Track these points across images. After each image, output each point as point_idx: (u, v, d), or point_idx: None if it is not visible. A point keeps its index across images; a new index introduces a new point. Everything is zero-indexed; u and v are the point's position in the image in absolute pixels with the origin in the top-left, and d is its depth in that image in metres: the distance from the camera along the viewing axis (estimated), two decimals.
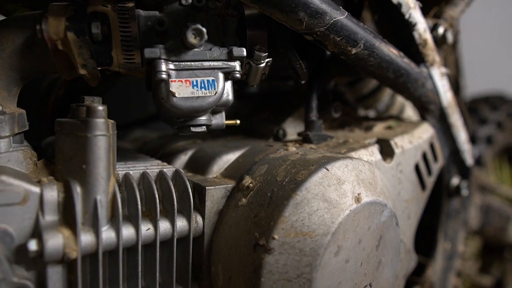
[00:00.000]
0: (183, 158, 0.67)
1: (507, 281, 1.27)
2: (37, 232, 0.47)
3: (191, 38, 0.49)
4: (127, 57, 0.54)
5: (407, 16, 0.66)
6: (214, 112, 0.60)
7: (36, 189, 0.48)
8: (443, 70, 0.73)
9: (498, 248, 1.19)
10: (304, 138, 0.67)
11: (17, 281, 0.46)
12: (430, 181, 0.74)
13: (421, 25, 0.67)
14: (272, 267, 0.50)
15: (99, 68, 0.54)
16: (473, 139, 1.16)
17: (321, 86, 0.69)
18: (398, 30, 0.68)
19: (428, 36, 0.69)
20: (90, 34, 0.51)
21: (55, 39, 0.51)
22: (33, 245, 0.46)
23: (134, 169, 0.56)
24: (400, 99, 0.94)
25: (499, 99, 1.29)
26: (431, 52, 0.70)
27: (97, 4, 0.53)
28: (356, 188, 0.55)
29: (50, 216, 0.49)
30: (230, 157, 0.64)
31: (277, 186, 0.54)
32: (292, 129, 0.72)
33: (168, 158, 0.67)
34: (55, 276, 0.49)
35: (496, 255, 1.23)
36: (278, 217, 0.51)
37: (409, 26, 0.66)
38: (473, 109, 1.26)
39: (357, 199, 0.54)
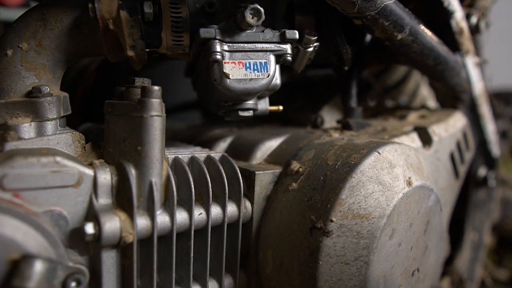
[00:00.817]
0: (223, 145, 0.66)
1: None
2: (91, 215, 0.46)
3: (249, 18, 0.49)
4: (176, 39, 0.53)
5: (446, 4, 0.66)
6: (259, 97, 0.59)
7: (90, 172, 0.47)
8: (476, 59, 0.74)
9: None
10: (344, 125, 0.67)
11: (72, 266, 0.44)
12: (463, 169, 0.75)
13: (459, 14, 0.68)
14: (330, 250, 0.49)
15: (147, 50, 0.53)
16: None
17: (359, 74, 0.69)
18: (436, 18, 0.68)
19: (464, 25, 0.69)
20: (142, 13, 0.50)
21: (107, 18, 0.50)
22: (90, 228, 0.44)
23: (182, 153, 0.55)
24: (422, 92, 0.95)
25: (510, 94, 1.31)
26: (466, 41, 0.71)
27: None
28: (406, 172, 0.55)
29: (104, 199, 0.47)
30: (272, 144, 0.63)
31: (330, 170, 0.53)
32: (329, 117, 0.72)
33: (207, 145, 0.66)
34: (109, 261, 0.47)
35: (510, 249, 1.24)
36: (335, 200, 0.50)
37: (447, 14, 0.67)
38: None
39: (409, 183, 0.54)
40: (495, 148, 0.85)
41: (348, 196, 0.50)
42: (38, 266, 0.39)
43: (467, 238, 0.86)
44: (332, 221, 0.49)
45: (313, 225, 0.50)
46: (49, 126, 0.51)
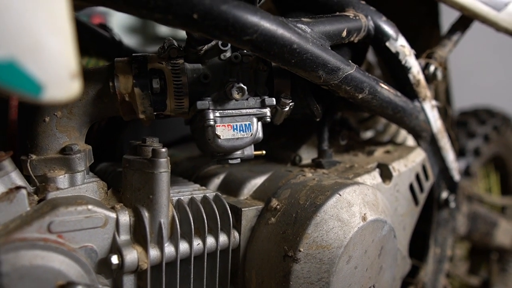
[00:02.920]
0: (216, 181, 0.80)
1: (493, 281, 1.42)
2: (115, 249, 0.60)
3: (235, 94, 0.62)
4: (178, 103, 0.67)
5: (403, 62, 0.79)
6: None
7: (113, 215, 0.61)
8: (434, 103, 0.86)
9: (485, 251, 1.34)
10: (317, 164, 0.80)
11: (101, 287, 0.59)
12: (422, 197, 0.88)
13: (415, 68, 0.81)
14: (298, 273, 0.63)
15: (155, 113, 0.67)
16: (462, 152, 1.31)
17: (331, 119, 0.82)
18: (395, 72, 0.81)
19: (421, 77, 0.82)
20: (151, 88, 0.64)
21: (124, 93, 0.64)
22: (115, 260, 0.59)
23: (183, 194, 0.69)
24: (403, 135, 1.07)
25: (486, 112, 1.43)
26: (423, 89, 0.83)
27: (155, 61, 0.66)
28: (362, 209, 0.68)
29: (124, 236, 0.62)
30: (257, 181, 0.77)
31: (300, 208, 0.67)
32: (306, 154, 0.85)
33: (203, 181, 0.81)
34: (128, 283, 0.62)
35: (483, 258, 1.38)
36: (302, 234, 0.64)
37: (405, 70, 0.80)
38: (462, 123, 1.40)
39: (364, 218, 0.68)
40: (456, 173, 0.98)
41: (313, 231, 0.64)
42: None
43: (431, 252, 1.00)
44: (300, 251, 0.64)
45: (286, 254, 0.64)
46: (79, 177, 0.65)
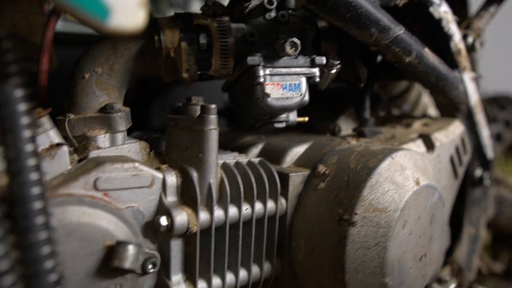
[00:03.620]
0: (255, 151, 0.76)
1: None
2: (162, 210, 0.56)
3: (288, 49, 0.59)
4: (223, 62, 0.64)
5: (446, 29, 0.77)
6: None
7: (159, 175, 0.57)
8: (472, 75, 0.85)
9: (507, 238, 1.32)
10: (359, 133, 0.78)
11: (148, 251, 0.55)
12: (461, 170, 0.86)
13: (457, 37, 0.79)
14: (355, 237, 0.60)
15: (199, 72, 0.64)
16: None
17: (372, 88, 0.80)
18: (437, 40, 0.79)
19: (462, 46, 0.80)
20: (198, 43, 0.61)
21: (170, 48, 0.60)
22: (164, 221, 0.55)
23: (227, 159, 0.66)
24: (424, 100, 1.06)
25: (505, 99, 1.42)
26: (464, 59, 0.82)
27: (200, 18, 0.63)
28: (415, 173, 0.66)
29: (171, 197, 0.58)
30: (299, 149, 0.74)
31: (352, 172, 0.64)
32: (345, 125, 0.83)
33: (241, 151, 0.77)
34: (176, 248, 0.58)
35: (505, 245, 1.35)
36: (358, 197, 0.61)
37: (447, 37, 0.78)
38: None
39: (417, 182, 0.65)
40: (490, 151, 0.96)
41: (369, 194, 0.61)
42: (131, 250, 0.50)
43: (465, 232, 0.97)
44: (356, 213, 0.60)
45: (341, 217, 0.61)
46: (120, 137, 0.61)
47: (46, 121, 0.57)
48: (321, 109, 0.87)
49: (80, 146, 0.59)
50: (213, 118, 0.57)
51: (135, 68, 0.63)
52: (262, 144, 0.78)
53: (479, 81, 0.88)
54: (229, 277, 0.63)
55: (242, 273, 0.64)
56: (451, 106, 0.86)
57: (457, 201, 0.97)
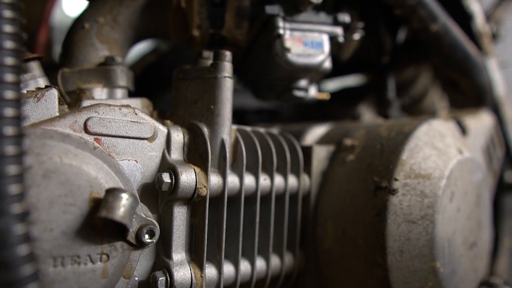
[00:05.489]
0: (274, 132, 0.68)
1: None
2: (166, 168, 0.46)
3: None
4: (237, 22, 0.58)
5: (466, 8, 0.74)
6: (310, 81, 0.63)
7: (164, 128, 0.48)
8: (497, 61, 0.80)
9: None
10: (384, 116, 0.70)
11: (145, 217, 0.44)
12: (496, 164, 0.77)
13: (479, 17, 0.75)
14: (396, 208, 0.50)
15: (211, 31, 0.57)
16: None
17: (393, 71, 0.74)
18: (458, 20, 0.74)
19: (484, 27, 0.76)
20: None
21: None
22: (166, 178, 0.45)
23: (244, 127, 0.57)
24: (432, 95, 0.98)
25: None
26: (487, 43, 0.77)
27: None
28: (456, 142, 0.57)
29: (176, 156, 0.48)
30: (320, 130, 0.65)
31: (385, 139, 0.55)
32: (367, 112, 0.75)
33: None
34: (180, 217, 0.47)
35: None
36: (396, 161, 0.52)
37: (468, 17, 0.74)
38: None
39: (460, 151, 0.56)
40: None
41: (409, 157, 0.52)
42: (124, 198, 0.39)
43: (503, 245, 0.86)
44: (396, 179, 0.51)
45: (377, 186, 0.51)
46: (120, 93, 0.53)
47: (35, 67, 0.49)
48: (340, 100, 0.80)
49: (72, 99, 0.51)
50: (227, 64, 0.50)
51: (141, 22, 0.56)
52: (277, 128, 0.69)
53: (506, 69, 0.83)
54: (244, 265, 0.51)
55: (260, 263, 0.53)
56: (477, 94, 0.79)
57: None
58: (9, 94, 0.34)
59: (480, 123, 0.75)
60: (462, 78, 0.75)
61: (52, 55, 0.95)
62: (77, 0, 0.83)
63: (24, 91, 0.45)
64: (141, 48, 0.88)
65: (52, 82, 0.51)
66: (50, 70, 0.56)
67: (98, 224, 0.40)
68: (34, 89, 0.46)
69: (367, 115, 0.75)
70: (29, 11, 0.82)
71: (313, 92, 0.64)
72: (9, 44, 0.35)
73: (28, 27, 0.78)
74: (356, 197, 0.53)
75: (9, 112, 0.33)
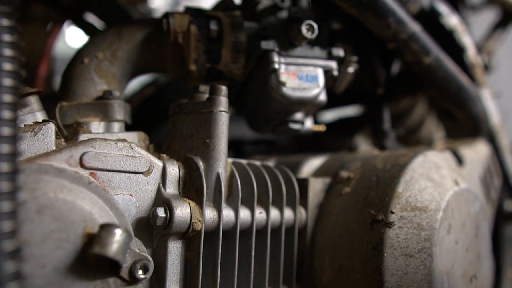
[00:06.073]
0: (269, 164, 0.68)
1: None
2: (161, 203, 0.46)
3: (305, 32, 0.55)
4: (234, 57, 0.59)
5: (458, 41, 0.75)
6: (305, 114, 0.64)
7: (159, 162, 0.48)
8: (491, 91, 0.81)
9: None
10: (380, 147, 0.70)
11: (139, 252, 0.43)
12: (494, 194, 0.77)
13: (471, 49, 0.77)
14: (393, 241, 0.49)
15: (208, 66, 0.59)
16: None
17: (388, 103, 0.75)
18: (450, 53, 0.76)
19: (477, 59, 0.78)
20: (208, 29, 0.57)
21: (178, 31, 0.56)
22: (161, 212, 0.45)
23: (239, 160, 0.57)
24: (429, 124, 0.98)
25: None
26: (480, 74, 0.79)
27: (211, 11, 0.60)
28: (452, 173, 0.57)
29: (172, 190, 0.48)
30: (316, 162, 0.66)
31: (381, 171, 0.56)
32: (363, 143, 0.76)
33: None
34: (174, 252, 0.46)
35: None
36: (392, 193, 0.52)
37: (460, 50, 0.76)
38: None
39: (456, 183, 0.56)
40: None
41: (404, 190, 0.52)
42: (118, 234, 0.39)
43: (505, 276, 0.84)
44: (392, 212, 0.50)
45: (374, 219, 0.51)
46: (116, 127, 0.54)
47: (34, 102, 0.50)
48: (336, 131, 0.81)
49: (69, 133, 0.51)
50: (223, 99, 0.50)
51: (139, 57, 0.58)
52: (274, 160, 0.70)
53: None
54: None
55: None
56: (473, 125, 0.80)
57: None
58: (6, 131, 0.34)
59: (477, 152, 0.75)
60: (457, 109, 0.76)
61: (52, 85, 0.97)
62: (79, 33, 0.85)
63: (22, 126, 0.45)
64: (140, 79, 0.90)
65: (51, 113, 0.52)
66: (50, 100, 0.57)
67: (91, 260, 0.40)
68: (32, 123, 0.47)
69: (364, 146, 0.75)
70: (31, 44, 0.84)
71: (309, 124, 0.65)
72: (7, 81, 0.36)
73: (29, 60, 0.80)
74: (352, 230, 0.52)
75: (4, 148, 0.34)
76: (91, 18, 0.82)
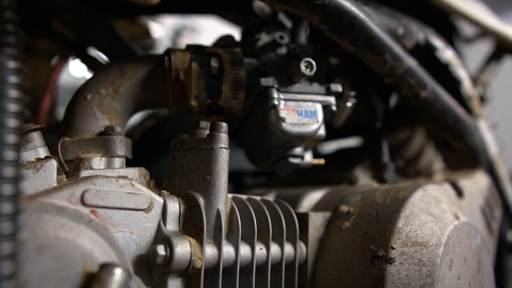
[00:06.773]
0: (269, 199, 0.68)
1: None
2: (161, 240, 0.46)
3: (303, 69, 0.57)
4: (234, 93, 0.60)
5: (454, 74, 0.77)
6: (305, 149, 0.64)
7: (160, 199, 0.49)
8: (488, 123, 0.82)
9: None
10: (379, 180, 0.71)
11: None
12: (495, 226, 0.76)
13: (466, 82, 0.79)
14: (394, 278, 0.49)
15: (208, 102, 0.60)
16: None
17: (387, 135, 0.75)
18: (446, 86, 0.77)
19: (472, 91, 0.79)
20: (209, 66, 0.58)
21: (180, 68, 0.58)
22: (161, 250, 0.45)
23: (239, 195, 0.57)
24: (428, 154, 0.99)
25: None
26: (476, 106, 0.80)
27: (211, 48, 0.62)
28: (451, 207, 0.57)
29: (172, 227, 0.48)
30: (316, 195, 0.66)
31: (381, 206, 0.56)
32: (362, 176, 0.76)
33: None
34: None
35: None
36: (392, 228, 0.52)
37: (456, 82, 0.77)
38: None
39: (456, 216, 0.56)
40: None
41: (405, 225, 0.52)
42: (118, 274, 0.39)
43: None
44: (393, 248, 0.50)
45: (374, 255, 0.51)
46: (118, 162, 0.54)
47: (37, 138, 0.51)
48: (335, 163, 0.81)
49: (71, 168, 0.52)
50: (223, 136, 0.51)
51: (141, 93, 0.59)
52: (274, 193, 0.70)
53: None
54: None
55: None
56: (471, 156, 0.80)
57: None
58: (8, 171, 0.35)
59: (476, 184, 0.75)
60: (455, 140, 0.77)
61: (56, 115, 0.99)
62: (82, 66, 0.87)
63: (24, 162, 0.46)
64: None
65: (53, 148, 0.52)
66: (53, 131, 0.58)
67: None
68: (34, 160, 0.47)
69: (363, 178, 0.76)
70: (35, 77, 0.86)
71: (308, 157, 0.65)
72: (12, 122, 0.37)
73: (33, 92, 0.82)
74: (353, 266, 0.52)
75: (6, 189, 0.34)
76: (95, 53, 0.84)
